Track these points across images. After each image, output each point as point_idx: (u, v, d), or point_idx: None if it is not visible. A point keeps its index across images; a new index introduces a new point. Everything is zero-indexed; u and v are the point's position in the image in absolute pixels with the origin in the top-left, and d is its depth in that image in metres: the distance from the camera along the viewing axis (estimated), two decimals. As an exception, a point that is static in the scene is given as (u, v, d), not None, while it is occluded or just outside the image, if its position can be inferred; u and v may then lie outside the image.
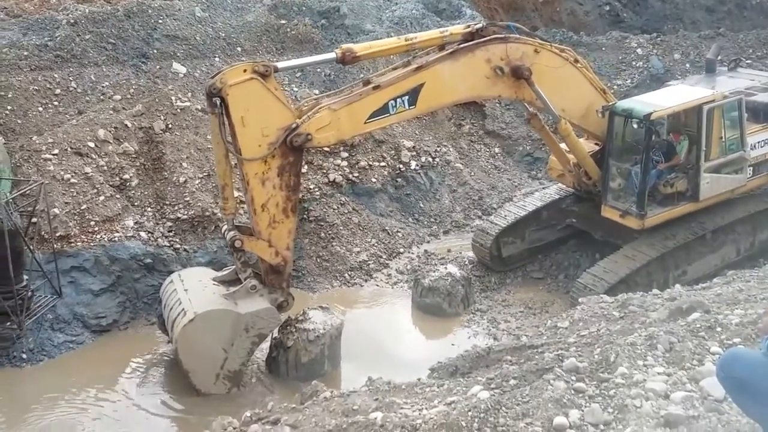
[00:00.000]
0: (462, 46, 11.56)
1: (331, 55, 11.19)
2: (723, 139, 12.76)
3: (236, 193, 11.66)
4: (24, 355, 11.75)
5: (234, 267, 11.29)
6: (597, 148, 13.26)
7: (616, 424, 4.87)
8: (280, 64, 10.91)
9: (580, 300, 10.14)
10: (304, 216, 15.06)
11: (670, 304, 7.52)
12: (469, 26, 12.07)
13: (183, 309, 10.73)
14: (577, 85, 12.54)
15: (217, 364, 10.75)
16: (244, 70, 10.15)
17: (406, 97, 11.04)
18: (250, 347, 10.86)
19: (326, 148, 15.85)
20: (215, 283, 11.36)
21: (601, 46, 21.15)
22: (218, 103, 10.20)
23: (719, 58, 15.94)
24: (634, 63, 20.36)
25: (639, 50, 20.72)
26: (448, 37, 11.75)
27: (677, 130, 13.17)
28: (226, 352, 10.70)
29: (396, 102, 11.00)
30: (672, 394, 5.06)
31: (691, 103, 12.52)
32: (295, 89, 17.31)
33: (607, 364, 5.67)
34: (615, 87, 19.23)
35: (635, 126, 12.57)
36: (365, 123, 11.00)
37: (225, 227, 11.09)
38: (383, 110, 10.96)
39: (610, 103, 12.62)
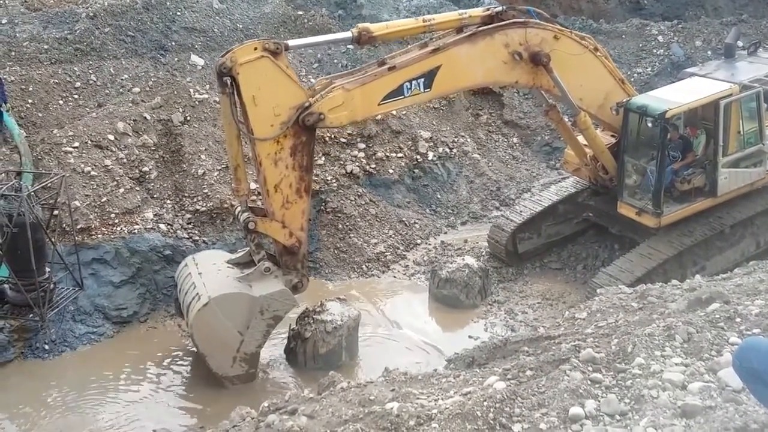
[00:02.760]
0: (480, 29, 11.34)
1: (347, 35, 10.98)
2: (741, 133, 12.45)
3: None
4: (46, 346, 11.93)
5: (248, 249, 11.19)
6: (614, 140, 13.07)
7: (633, 415, 4.83)
8: (292, 42, 10.67)
9: (598, 291, 10.07)
10: (321, 207, 15.11)
11: (690, 294, 7.43)
12: (488, 9, 11.85)
13: (197, 293, 10.70)
14: (596, 74, 12.32)
15: (233, 347, 10.73)
16: (255, 48, 9.96)
17: (422, 79, 10.86)
18: (266, 329, 10.80)
19: (343, 139, 15.87)
20: (229, 265, 11.28)
21: (621, 34, 20.91)
22: (229, 82, 10.02)
23: (739, 42, 15.63)
24: (654, 50, 20.11)
25: (660, 37, 20.46)
26: (466, 20, 11.53)
27: (694, 124, 12.94)
28: (241, 335, 10.66)
29: (411, 84, 10.81)
30: (689, 385, 5.01)
31: (708, 98, 12.20)
32: (312, 80, 17.31)
33: (624, 355, 5.63)
34: (635, 75, 19.03)
35: (650, 125, 12.37)
36: (379, 104, 10.80)
37: (238, 209, 10.94)
38: (398, 92, 10.78)
39: (625, 100, 12.36)
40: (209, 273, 11.16)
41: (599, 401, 5.00)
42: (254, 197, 12.03)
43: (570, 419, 4.86)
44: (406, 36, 12.49)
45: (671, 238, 12.52)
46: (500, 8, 11.88)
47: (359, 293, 13.83)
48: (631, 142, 12.72)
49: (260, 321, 10.66)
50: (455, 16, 11.68)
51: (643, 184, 12.64)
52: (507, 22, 11.48)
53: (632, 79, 18.07)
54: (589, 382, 5.28)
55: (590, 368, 5.53)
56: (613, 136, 13.15)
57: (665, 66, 19.32)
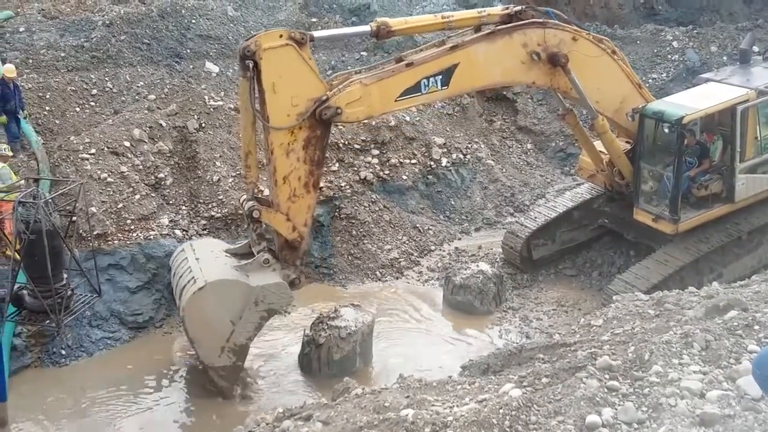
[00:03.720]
0: (499, 28, 11.31)
1: (366, 28, 10.99)
2: (758, 139, 12.38)
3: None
4: (63, 352, 12.01)
5: (248, 241, 11.15)
6: (629, 146, 12.97)
7: (650, 423, 4.80)
8: (316, 34, 10.70)
9: (614, 298, 10.01)
10: (335, 213, 15.13)
11: (707, 302, 7.37)
12: (507, 8, 11.82)
13: (193, 277, 10.62)
14: (614, 77, 12.26)
15: (223, 336, 10.59)
16: (280, 36, 9.94)
17: (440, 77, 10.84)
18: (259, 321, 10.68)
19: (357, 146, 15.89)
20: (227, 255, 11.25)
21: (636, 40, 20.82)
22: (251, 66, 9.98)
23: (754, 47, 15.51)
24: (669, 56, 20.00)
25: (675, 43, 20.36)
26: (485, 18, 11.51)
27: (710, 130, 12.84)
28: (233, 324, 10.54)
29: (428, 81, 10.78)
30: (708, 393, 4.97)
31: (724, 104, 12.13)
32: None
33: (642, 363, 5.59)
34: (650, 81, 18.93)
35: (666, 130, 12.29)
36: (396, 100, 10.75)
37: (244, 197, 10.85)
38: (415, 89, 10.75)
39: (641, 105, 12.31)
40: (207, 260, 11.07)
41: (616, 409, 4.97)
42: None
43: (587, 427, 4.83)
44: (424, 32, 12.40)
45: (688, 244, 12.42)
46: (519, 8, 11.80)
47: (373, 299, 13.82)
48: (648, 147, 12.64)
49: (254, 312, 10.53)
50: (474, 14, 11.67)
51: (660, 190, 12.54)
52: (526, 21, 11.45)
53: (647, 85, 17.90)
54: (605, 390, 5.25)
55: (607, 376, 5.50)
56: (627, 142, 13.06)
57: (680, 72, 19.22)
